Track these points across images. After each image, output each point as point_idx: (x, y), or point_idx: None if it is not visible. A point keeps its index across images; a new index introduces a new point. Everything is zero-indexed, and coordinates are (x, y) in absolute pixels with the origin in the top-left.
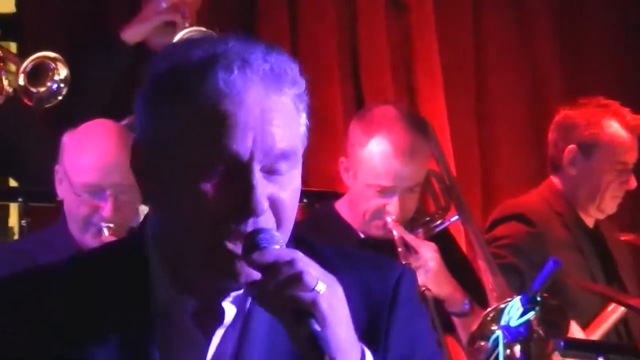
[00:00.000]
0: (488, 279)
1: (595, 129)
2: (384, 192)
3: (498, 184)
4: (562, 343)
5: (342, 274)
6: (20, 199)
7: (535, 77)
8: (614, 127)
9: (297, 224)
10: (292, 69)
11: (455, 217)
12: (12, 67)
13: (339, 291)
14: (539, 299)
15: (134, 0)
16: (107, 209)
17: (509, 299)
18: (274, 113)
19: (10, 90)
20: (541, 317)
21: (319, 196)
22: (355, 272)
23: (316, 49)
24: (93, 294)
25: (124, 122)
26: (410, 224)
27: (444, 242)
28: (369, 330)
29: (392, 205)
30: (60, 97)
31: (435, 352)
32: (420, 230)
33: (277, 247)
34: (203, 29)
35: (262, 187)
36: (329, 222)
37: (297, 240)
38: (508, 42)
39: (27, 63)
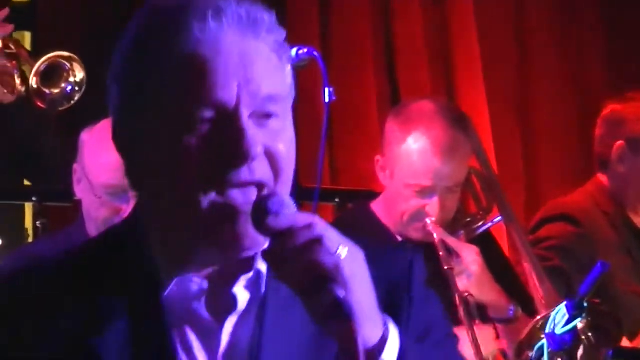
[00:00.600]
0: (534, 284)
1: None
2: (423, 192)
3: (542, 182)
4: (609, 352)
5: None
6: (34, 199)
7: (580, 68)
8: None
9: (330, 225)
10: (269, 16)
11: (498, 218)
12: (25, 65)
13: (360, 257)
14: (585, 304)
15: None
16: (128, 212)
17: (558, 304)
18: (254, 57)
19: (23, 89)
20: (591, 323)
21: (351, 195)
22: (370, 250)
23: (348, 41)
24: (98, 282)
25: None
26: (450, 226)
27: (486, 245)
28: (390, 307)
29: (432, 206)
30: (74, 100)
31: (450, 336)
32: (461, 232)
33: (291, 211)
34: None
35: (253, 132)
36: (364, 223)
37: None
38: (552, 30)
39: (41, 63)
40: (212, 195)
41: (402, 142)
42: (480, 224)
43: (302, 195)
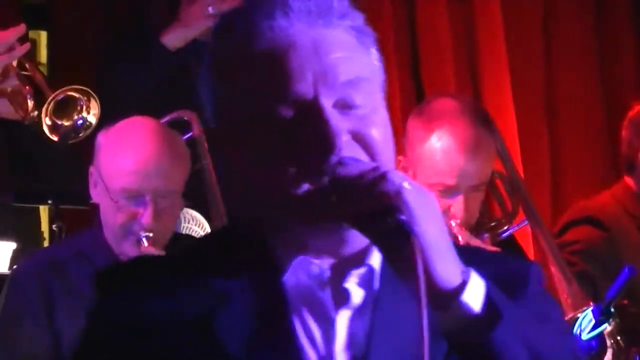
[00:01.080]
0: (562, 287)
1: None
2: (447, 191)
3: (568, 185)
4: (637, 355)
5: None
6: (50, 202)
7: (609, 69)
8: None
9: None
10: (339, 2)
11: (524, 222)
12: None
13: (430, 196)
14: (612, 310)
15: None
16: (146, 216)
17: (586, 308)
18: (329, 48)
19: (35, 114)
20: (620, 326)
21: None
22: (488, 259)
23: None
24: (221, 269)
25: (164, 120)
26: (475, 229)
27: (509, 249)
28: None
29: (457, 207)
30: (82, 135)
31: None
32: (485, 235)
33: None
34: None
35: (337, 120)
36: None
37: None
38: (581, 31)
39: (56, 95)
40: (305, 184)
41: (425, 140)
42: (505, 228)
43: None
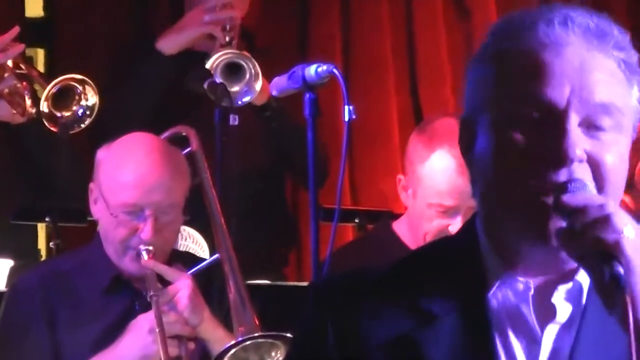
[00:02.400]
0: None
1: None
2: (447, 212)
3: None
4: None
5: None
6: (47, 219)
7: None
8: None
9: (349, 246)
10: (620, 33)
11: None
12: (37, 86)
13: None
14: None
15: (177, 6)
16: (146, 231)
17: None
18: (594, 67)
19: (34, 111)
20: None
21: (372, 216)
22: None
23: (369, 56)
24: (428, 282)
25: (164, 136)
26: None
27: None
28: None
29: (455, 227)
30: (84, 124)
31: None
32: None
33: (589, 193)
34: (237, 51)
35: (577, 137)
36: (387, 244)
37: None
38: None
39: (52, 86)
40: (531, 195)
41: (425, 160)
42: None
43: (322, 215)
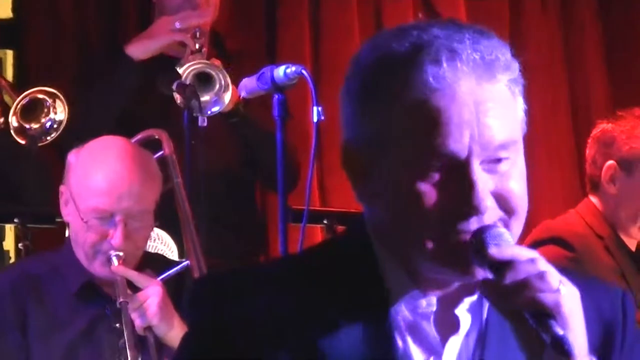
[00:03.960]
0: None
1: (636, 143)
2: None
3: (535, 203)
4: None
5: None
6: (16, 220)
7: (577, 87)
8: None
9: (315, 248)
10: (504, 53)
11: None
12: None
13: (577, 295)
14: None
15: (146, 12)
16: (117, 237)
17: None
18: (489, 104)
19: (1, 121)
20: None
21: (341, 217)
22: (582, 286)
23: (338, 58)
24: (322, 288)
25: (136, 139)
26: None
27: None
28: (602, 347)
29: None
30: (52, 137)
31: None
32: None
33: (510, 243)
34: (208, 62)
35: (483, 184)
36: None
37: None
38: (548, 49)
39: (22, 98)
40: (440, 241)
41: None
42: None
43: (291, 216)
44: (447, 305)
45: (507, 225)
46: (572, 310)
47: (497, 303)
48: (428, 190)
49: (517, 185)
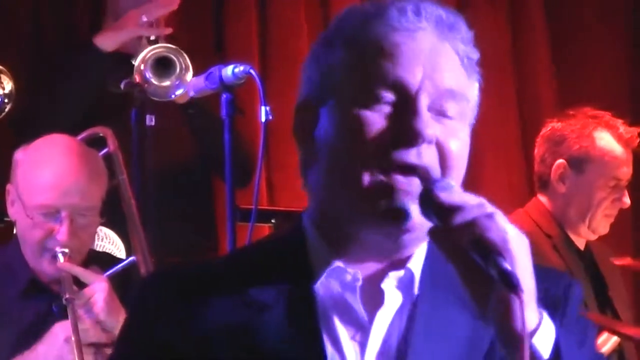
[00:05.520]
0: None
1: (586, 141)
2: None
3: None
4: None
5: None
6: None
7: (525, 85)
8: (607, 140)
9: (256, 244)
10: (467, 30)
11: None
12: None
13: (525, 240)
14: None
15: (99, 5)
16: (62, 233)
17: None
18: (444, 55)
19: None
20: None
21: (289, 216)
22: (534, 268)
23: (286, 57)
24: (257, 280)
25: (81, 136)
26: None
27: None
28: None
29: None
30: (4, 113)
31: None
32: None
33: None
34: (167, 45)
35: (428, 119)
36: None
37: None
38: (496, 49)
39: None
40: (376, 174)
41: None
42: None
43: (239, 216)
44: (373, 280)
45: None
46: (520, 251)
47: (445, 247)
48: (374, 120)
49: (457, 148)
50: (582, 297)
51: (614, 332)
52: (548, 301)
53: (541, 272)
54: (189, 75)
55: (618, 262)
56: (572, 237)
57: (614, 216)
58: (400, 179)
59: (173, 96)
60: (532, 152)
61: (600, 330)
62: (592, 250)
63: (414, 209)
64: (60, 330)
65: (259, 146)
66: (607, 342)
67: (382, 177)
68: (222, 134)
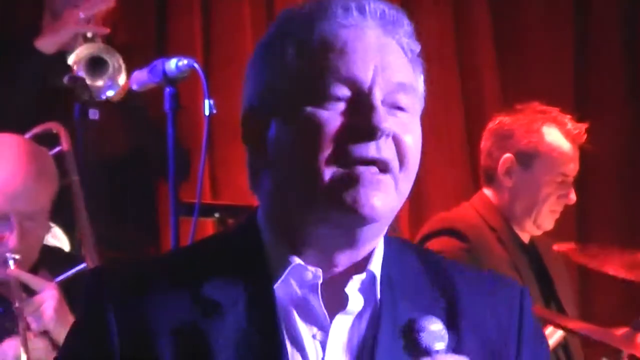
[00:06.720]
0: None
1: (535, 137)
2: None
3: (428, 196)
4: None
5: (467, 296)
6: None
7: (470, 81)
8: (555, 136)
9: (206, 240)
10: (409, 25)
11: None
12: None
13: None
14: None
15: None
16: (12, 239)
17: None
18: (391, 50)
19: None
20: None
21: (232, 211)
22: (479, 295)
23: (230, 52)
24: (210, 278)
25: (32, 132)
26: None
27: None
28: (497, 342)
29: None
30: None
31: None
32: None
33: (441, 346)
34: (100, 45)
35: (384, 114)
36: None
37: (421, 254)
38: (441, 44)
39: None
40: (336, 168)
41: None
42: None
43: (182, 210)
44: (336, 283)
45: (395, 179)
46: None
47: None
48: (329, 118)
49: (411, 141)
50: (530, 304)
51: (558, 326)
52: (497, 321)
53: (487, 286)
54: (122, 77)
55: (558, 247)
56: (517, 231)
57: (559, 212)
58: (361, 168)
59: (104, 97)
60: (476, 146)
61: (545, 324)
62: (537, 245)
63: (378, 199)
64: (9, 348)
65: (202, 140)
66: (552, 336)
67: (343, 171)
68: (155, 131)
